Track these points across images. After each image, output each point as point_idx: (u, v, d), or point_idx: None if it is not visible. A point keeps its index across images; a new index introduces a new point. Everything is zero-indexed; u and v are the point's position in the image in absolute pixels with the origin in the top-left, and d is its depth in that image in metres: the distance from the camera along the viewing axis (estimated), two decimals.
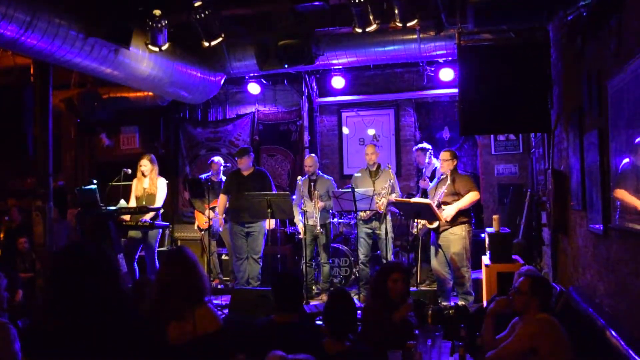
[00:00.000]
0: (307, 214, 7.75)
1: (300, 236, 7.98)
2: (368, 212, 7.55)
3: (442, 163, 7.03)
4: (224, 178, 8.45)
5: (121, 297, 2.60)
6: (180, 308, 3.14)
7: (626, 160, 3.30)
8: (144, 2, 6.80)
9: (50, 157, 7.89)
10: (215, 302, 7.39)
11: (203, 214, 8.39)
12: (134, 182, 7.98)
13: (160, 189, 7.88)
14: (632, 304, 3.33)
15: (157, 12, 6.69)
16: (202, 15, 6.61)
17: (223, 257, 9.25)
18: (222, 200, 8.09)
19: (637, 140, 3.07)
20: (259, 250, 7.92)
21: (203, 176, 8.69)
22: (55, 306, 2.51)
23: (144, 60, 7.45)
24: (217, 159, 8.86)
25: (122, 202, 7.73)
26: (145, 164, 7.87)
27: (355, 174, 7.99)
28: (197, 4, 6.53)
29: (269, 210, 7.26)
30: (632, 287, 3.31)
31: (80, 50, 6.56)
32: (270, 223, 7.88)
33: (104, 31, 6.49)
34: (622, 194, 3.35)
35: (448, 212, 6.73)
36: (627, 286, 3.43)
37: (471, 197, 6.77)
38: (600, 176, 3.91)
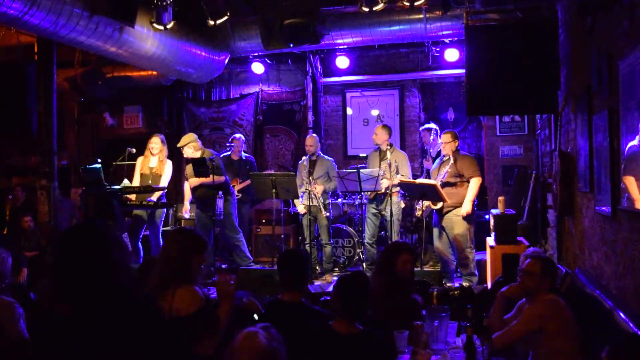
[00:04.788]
0: (308, 194, 7.69)
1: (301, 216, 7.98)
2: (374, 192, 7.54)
3: (443, 145, 7.02)
4: (244, 155, 8.27)
5: (130, 276, 2.59)
6: (160, 286, 3.14)
7: (634, 142, 3.26)
8: None
9: (54, 136, 7.88)
10: None
11: None
12: (139, 160, 7.88)
13: (167, 170, 7.84)
14: None
15: None
16: None
17: None
18: (186, 186, 8.02)
19: None
20: (231, 227, 7.85)
21: (222, 155, 8.58)
22: (62, 285, 2.49)
23: (148, 38, 7.38)
24: (239, 136, 8.78)
25: (126, 182, 7.70)
26: (155, 142, 7.79)
27: (370, 153, 7.99)
28: None
29: (273, 190, 7.22)
30: None
31: (84, 29, 6.49)
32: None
33: (108, 9, 6.42)
34: (630, 181, 3.31)
35: (465, 208, 6.79)
36: (635, 268, 3.42)
37: (476, 183, 6.87)
38: (609, 158, 3.88)
